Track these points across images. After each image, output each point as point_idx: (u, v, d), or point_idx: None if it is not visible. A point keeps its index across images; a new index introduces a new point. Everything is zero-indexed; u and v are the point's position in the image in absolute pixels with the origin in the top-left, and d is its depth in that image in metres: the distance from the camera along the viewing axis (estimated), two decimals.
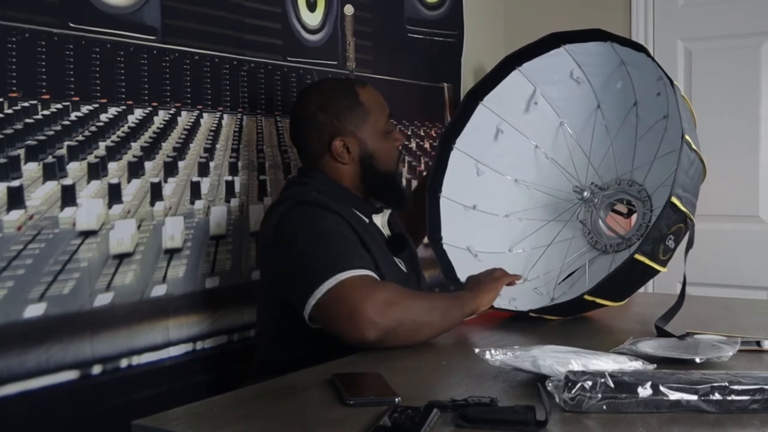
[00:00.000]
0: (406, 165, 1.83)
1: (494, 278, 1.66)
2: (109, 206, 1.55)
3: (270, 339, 1.63)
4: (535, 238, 1.97)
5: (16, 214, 1.40)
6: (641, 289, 1.80)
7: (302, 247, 1.48)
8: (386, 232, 1.73)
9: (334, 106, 1.66)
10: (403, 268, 1.69)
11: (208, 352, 1.73)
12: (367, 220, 1.66)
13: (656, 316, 1.52)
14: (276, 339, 1.60)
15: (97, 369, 1.52)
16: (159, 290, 1.64)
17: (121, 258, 1.57)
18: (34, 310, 1.42)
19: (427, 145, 2.44)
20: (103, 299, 1.53)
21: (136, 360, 1.60)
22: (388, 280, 1.52)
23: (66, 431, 1.48)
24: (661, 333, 1.47)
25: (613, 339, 1.41)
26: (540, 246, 1.96)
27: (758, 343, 1.39)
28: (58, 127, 1.47)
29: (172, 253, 1.67)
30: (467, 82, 2.55)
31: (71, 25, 1.49)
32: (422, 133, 2.43)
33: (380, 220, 1.73)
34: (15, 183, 1.40)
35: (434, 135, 2.46)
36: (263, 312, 1.67)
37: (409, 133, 2.38)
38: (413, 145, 2.40)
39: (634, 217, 1.87)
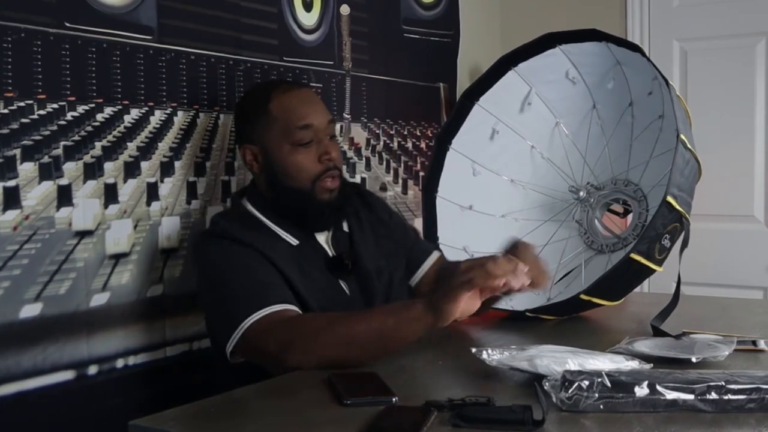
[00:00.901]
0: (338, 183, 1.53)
1: (462, 282, 1.25)
2: (106, 206, 1.55)
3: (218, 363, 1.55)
4: (532, 238, 1.96)
5: (12, 214, 1.39)
6: (637, 289, 1.80)
7: (211, 292, 1.48)
8: (331, 252, 1.57)
9: (244, 112, 1.60)
10: (347, 290, 1.55)
11: (204, 352, 1.73)
12: (295, 242, 1.52)
13: (652, 316, 1.52)
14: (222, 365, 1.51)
15: (93, 369, 1.52)
16: (155, 290, 1.64)
17: (118, 258, 1.56)
18: (31, 311, 1.41)
19: (423, 145, 2.44)
20: (99, 299, 1.53)
21: (133, 360, 1.60)
22: (313, 308, 1.45)
23: (62, 431, 1.48)
24: (658, 332, 1.48)
25: (610, 338, 1.41)
26: (536, 246, 1.96)
27: (754, 343, 1.39)
28: (54, 127, 1.47)
29: (168, 253, 1.67)
30: (463, 82, 2.54)
31: (67, 24, 1.49)
32: (418, 133, 2.43)
33: (324, 237, 1.58)
34: (11, 183, 1.39)
35: (430, 135, 2.46)
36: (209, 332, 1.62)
37: (405, 132, 2.38)
38: (410, 144, 2.40)
39: (630, 216, 1.88)
